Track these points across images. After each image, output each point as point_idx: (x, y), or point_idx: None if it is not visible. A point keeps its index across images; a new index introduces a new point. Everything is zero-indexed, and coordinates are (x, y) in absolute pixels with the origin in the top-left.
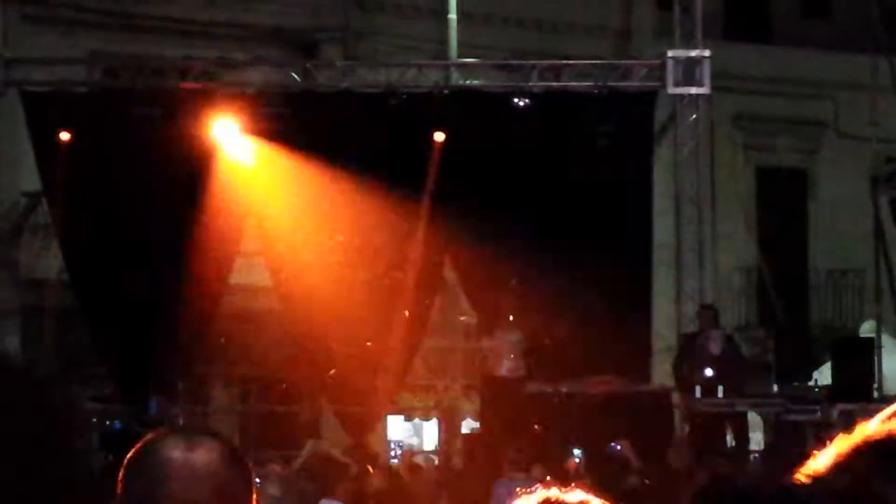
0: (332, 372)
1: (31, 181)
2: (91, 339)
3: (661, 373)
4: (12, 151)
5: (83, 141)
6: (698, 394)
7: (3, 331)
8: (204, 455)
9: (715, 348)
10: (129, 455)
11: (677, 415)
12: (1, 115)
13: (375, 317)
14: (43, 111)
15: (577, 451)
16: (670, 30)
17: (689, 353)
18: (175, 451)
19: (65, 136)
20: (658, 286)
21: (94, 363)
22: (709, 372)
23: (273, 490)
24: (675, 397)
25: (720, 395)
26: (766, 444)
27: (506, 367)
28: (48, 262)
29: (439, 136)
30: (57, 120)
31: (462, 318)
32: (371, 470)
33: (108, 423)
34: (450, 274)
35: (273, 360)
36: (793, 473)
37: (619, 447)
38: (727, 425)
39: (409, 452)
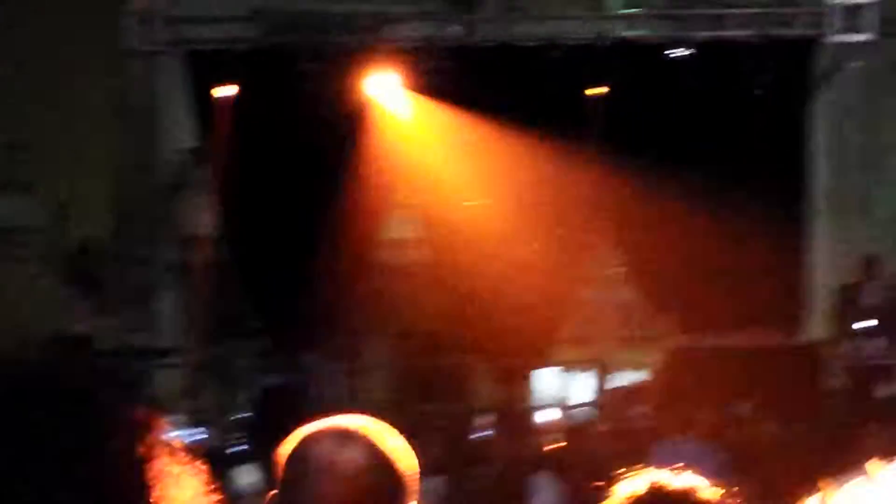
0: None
1: (190, 139)
2: (244, 295)
3: (819, 325)
4: (172, 109)
5: (244, 98)
6: (857, 345)
7: (162, 287)
8: (351, 455)
9: (875, 299)
10: (285, 449)
11: (834, 367)
12: (162, 72)
13: (528, 270)
14: (205, 68)
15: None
16: None
17: (848, 303)
18: (323, 451)
19: (226, 92)
20: (817, 235)
21: (250, 319)
22: (868, 323)
23: None
24: (833, 349)
25: (880, 346)
26: None
27: None
28: (205, 217)
29: (600, 90)
30: (218, 77)
31: (613, 271)
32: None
33: (264, 378)
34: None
35: (423, 314)
36: None
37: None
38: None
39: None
